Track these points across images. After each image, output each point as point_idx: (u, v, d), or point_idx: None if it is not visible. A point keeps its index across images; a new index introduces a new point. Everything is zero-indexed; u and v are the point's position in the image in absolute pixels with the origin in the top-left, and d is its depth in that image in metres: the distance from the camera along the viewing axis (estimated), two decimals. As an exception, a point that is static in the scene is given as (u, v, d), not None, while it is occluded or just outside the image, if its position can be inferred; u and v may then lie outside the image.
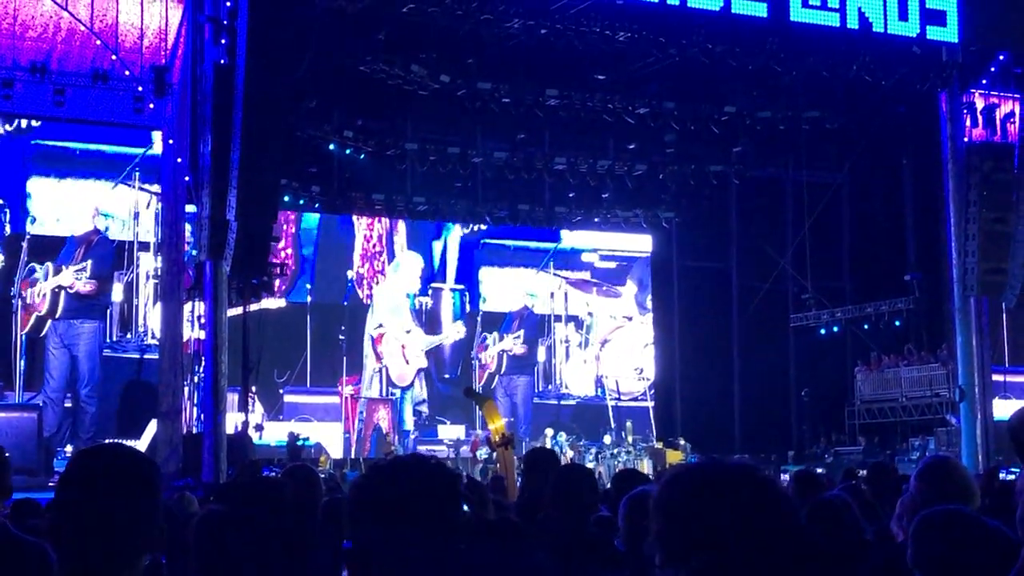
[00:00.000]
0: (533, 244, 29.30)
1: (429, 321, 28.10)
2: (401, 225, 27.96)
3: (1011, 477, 9.67)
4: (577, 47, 22.20)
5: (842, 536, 5.22)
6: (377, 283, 27.79)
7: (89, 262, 23.07)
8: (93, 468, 2.55)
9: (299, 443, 22.52)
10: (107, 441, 18.52)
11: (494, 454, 13.98)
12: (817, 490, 6.77)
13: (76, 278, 22.91)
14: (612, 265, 30.02)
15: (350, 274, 27.58)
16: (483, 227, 28.53)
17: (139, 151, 22.98)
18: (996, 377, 24.08)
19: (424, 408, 27.60)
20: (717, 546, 2.08)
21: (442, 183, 26.53)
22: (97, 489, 2.48)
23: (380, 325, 27.36)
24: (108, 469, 2.53)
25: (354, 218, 27.59)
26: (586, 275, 29.70)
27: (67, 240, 23.34)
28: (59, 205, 23.32)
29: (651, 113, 25.50)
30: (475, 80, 23.66)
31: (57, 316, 22.97)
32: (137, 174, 23.22)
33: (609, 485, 10.08)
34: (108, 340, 23.46)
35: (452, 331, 28.15)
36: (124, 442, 19.09)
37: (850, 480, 9.82)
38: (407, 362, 27.47)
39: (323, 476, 14.27)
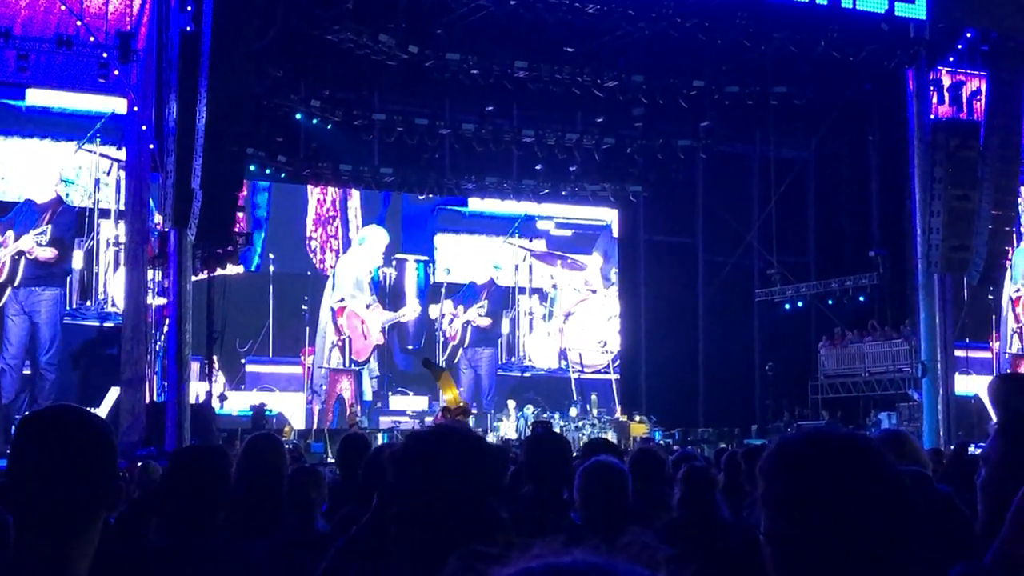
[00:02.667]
0: (488, 211, 29.08)
1: (393, 294, 27.97)
2: (355, 190, 27.72)
3: (979, 452, 9.68)
4: (546, 19, 22.08)
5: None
6: (332, 249, 27.57)
7: (50, 227, 22.71)
8: (44, 430, 2.49)
9: (266, 414, 22.47)
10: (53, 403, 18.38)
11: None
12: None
13: (36, 242, 22.56)
14: (568, 233, 29.92)
15: (314, 244, 27.41)
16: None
17: (91, 110, 22.14)
18: (958, 353, 24.25)
19: (374, 384, 27.48)
20: (826, 515, 2.05)
21: (409, 154, 26.38)
22: (49, 450, 2.42)
23: (342, 299, 27.23)
24: (59, 429, 2.47)
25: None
26: (542, 243, 29.59)
27: (24, 204, 22.86)
28: (4, 165, 22.73)
29: (620, 87, 25.48)
30: (443, 51, 23.53)
31: (16, 284, 22.65)
32: (98, 140, 22.78)
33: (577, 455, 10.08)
34: (68, 308, 23.16)
35: (411, 310, 28.07)
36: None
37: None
38: (365, 338, 27.38)
39: (288, 447, 14.24)
